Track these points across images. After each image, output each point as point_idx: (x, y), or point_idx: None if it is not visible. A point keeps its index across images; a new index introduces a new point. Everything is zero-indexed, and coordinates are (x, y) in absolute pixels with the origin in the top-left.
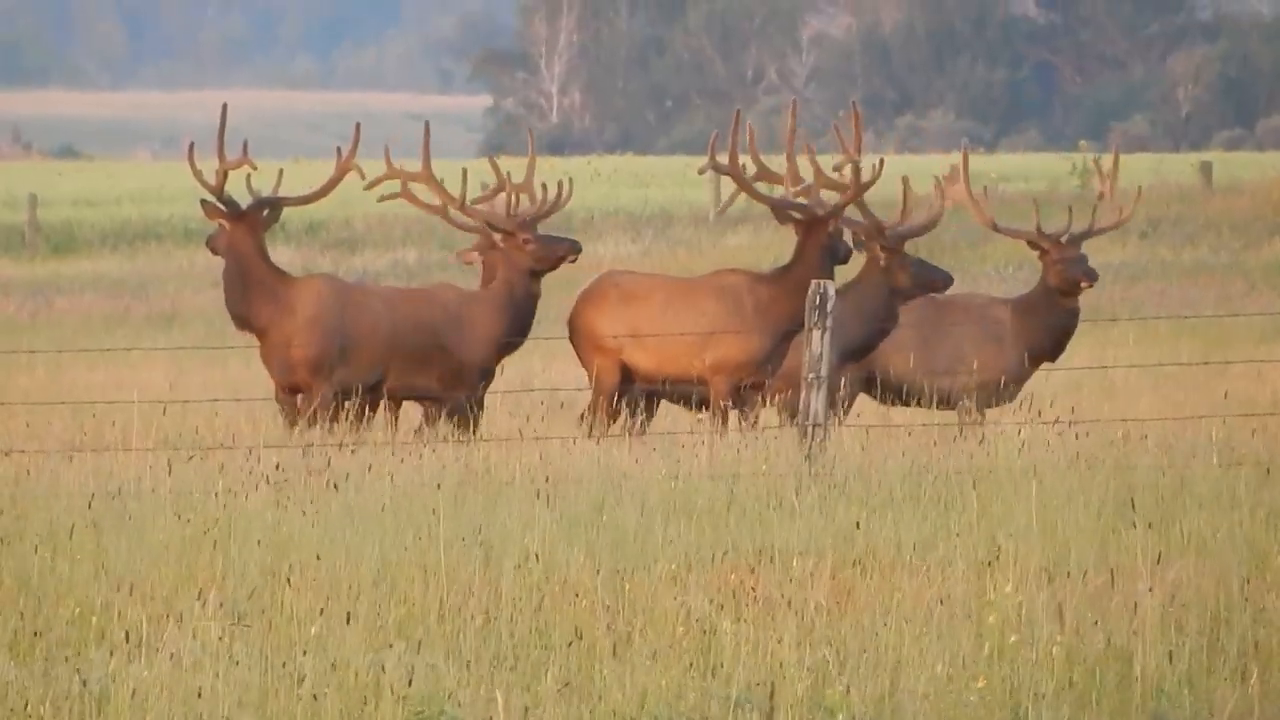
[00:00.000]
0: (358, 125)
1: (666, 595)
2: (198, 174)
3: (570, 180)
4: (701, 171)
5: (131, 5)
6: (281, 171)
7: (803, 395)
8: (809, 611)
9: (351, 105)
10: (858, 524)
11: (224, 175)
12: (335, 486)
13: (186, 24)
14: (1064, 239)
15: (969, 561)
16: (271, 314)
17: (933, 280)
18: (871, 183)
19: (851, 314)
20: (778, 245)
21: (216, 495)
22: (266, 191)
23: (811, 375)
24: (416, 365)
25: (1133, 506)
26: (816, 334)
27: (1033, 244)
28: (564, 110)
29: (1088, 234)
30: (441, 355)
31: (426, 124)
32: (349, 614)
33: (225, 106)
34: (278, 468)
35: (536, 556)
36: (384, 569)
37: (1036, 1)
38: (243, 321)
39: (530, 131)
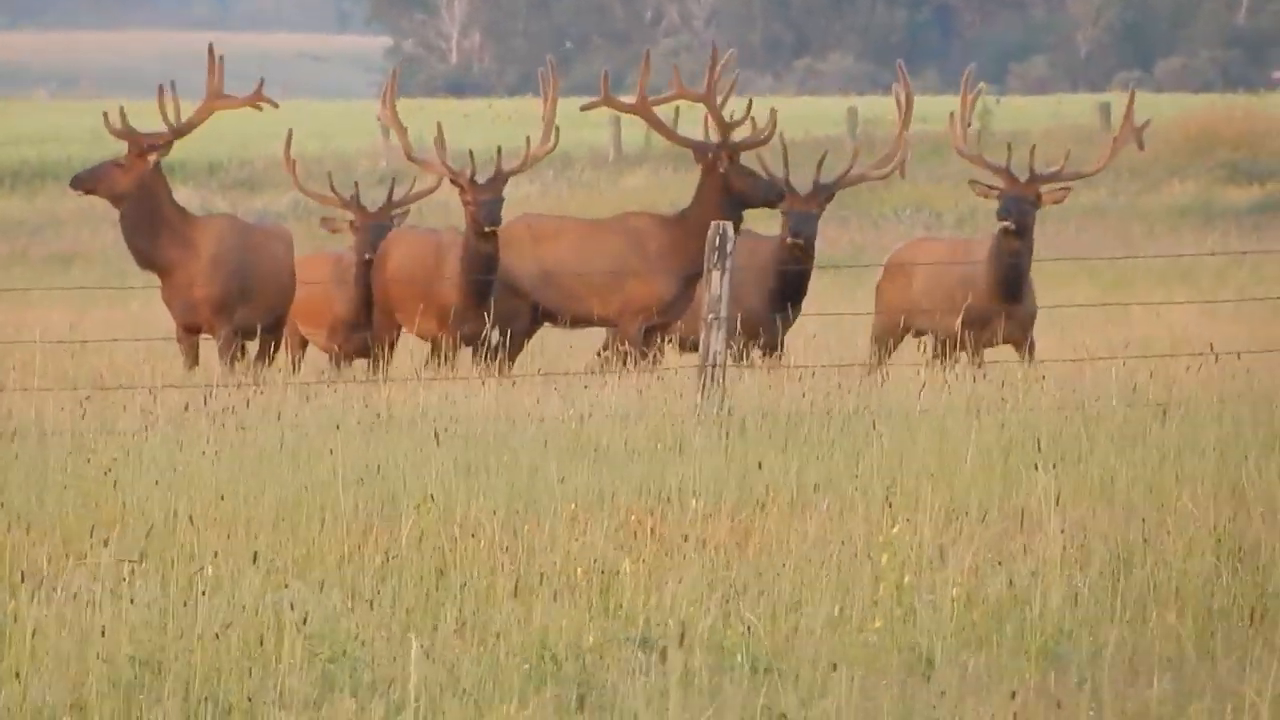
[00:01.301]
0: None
1: (566, 536)
2: (164, 118)
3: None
4: (584, 109)
5: None
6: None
7: (702, 335)
8: (708, 552)
9: (249, 45)
10: (759, 465)
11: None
12: (240, 428)
13: None
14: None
15: (869, 502)
16: (177, 254)
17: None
18: (770, 131)
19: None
20: (676, 186)
21: (116, 435)
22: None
23: (711, 316)
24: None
25: (1038, 448)
26: (715, 275)
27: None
28: (464, 52)
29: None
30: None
31: (395, 71)
32: (253, 554)
33: (211, 46)
34: (186, 408)
35: (432, 498)
36: (283, 510)
37: None
38: (147, 260)
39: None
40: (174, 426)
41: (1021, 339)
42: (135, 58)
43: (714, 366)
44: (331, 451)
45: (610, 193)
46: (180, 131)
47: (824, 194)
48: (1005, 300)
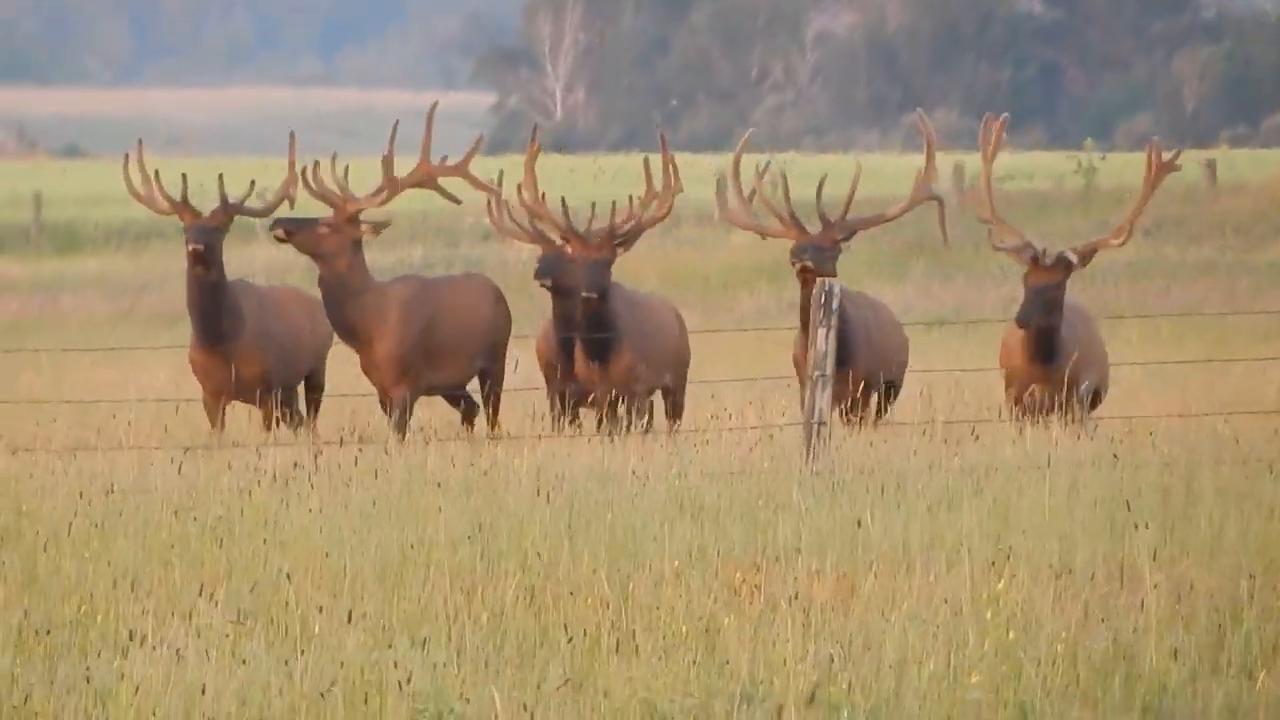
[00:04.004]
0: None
1: (671, 593)
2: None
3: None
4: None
5: (134, 4)
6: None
7: (807, 393)
8: (813, 609)
9: (356, 103)
10: (859, 522)
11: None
12: (345, 484)
13: (190, 24)
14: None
15: (974, 559)
16: (371, 320)
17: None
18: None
19: None
20: (781, 245)
21: (221, 493)
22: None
23: (817, 373)
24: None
25: (1130, 505)
26: (822, 332)
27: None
28: (568, 108)
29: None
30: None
31: (478, 138)
32: (351, 612)
33: (435, 105)
34: (295, 466)
35: (540, 555)
36: (388, 567)
37: (1040, 1)
38: (350, 332)
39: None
40: (279, 484)
41: (1065, 398)
42: (240, 116)
43: (819, 424)
44: (438, 509)
45: (717, 250)
46: (389, 195)
47: (844, 230)
48: (1036, 360)
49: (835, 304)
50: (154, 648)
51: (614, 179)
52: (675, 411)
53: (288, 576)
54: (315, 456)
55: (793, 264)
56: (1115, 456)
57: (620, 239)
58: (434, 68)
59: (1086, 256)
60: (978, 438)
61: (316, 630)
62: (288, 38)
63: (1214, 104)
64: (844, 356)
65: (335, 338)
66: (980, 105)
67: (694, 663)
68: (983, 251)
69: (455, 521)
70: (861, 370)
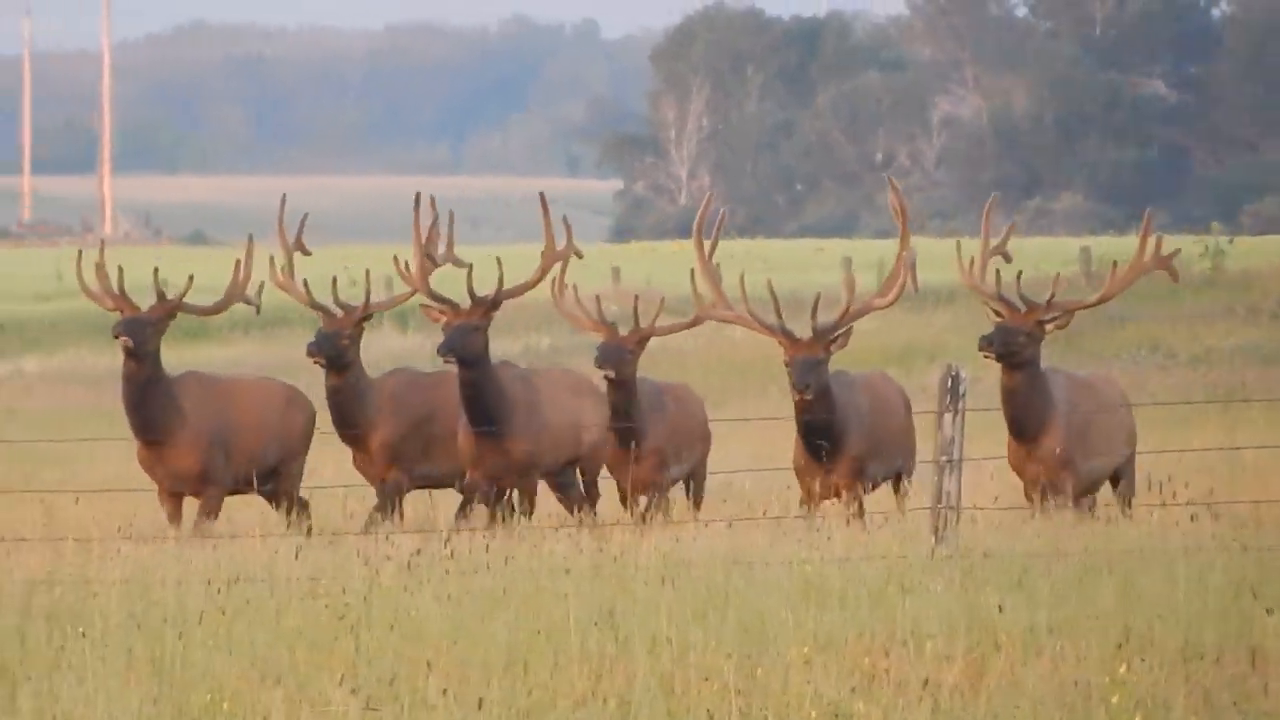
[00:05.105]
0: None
1: (799, 679)
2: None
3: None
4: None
5: (258, 93)
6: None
7: (936, 477)
8: (942, 694)
9: (481, 189)
10: (999, 608)
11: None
12: (472, 572)
13: (313, 111)
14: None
15: (1102, 643)
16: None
17: None
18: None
19: None
20: (910, 326)
21: (348, 580)
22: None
23: (944, 458)
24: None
25: (1256, 592)
26: (948, 417)
27: None
28: (693, 193)
29: (840, 323)
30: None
31: (417, 197)
32: (480, 699)
33: (542, 195)
34: (418, 553)
35: (670, 640)
36: (515, 654)
37: (1166, 83)
38: (484, 419)
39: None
40: (408, 571)
41: (1053, 479)
42: (366, 202)
43: (947, 508)
44: (566, 595)
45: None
46: (515, 291)
47: (825, 337)
48: (1015, 436)
49: (962, 389)
50: None
51: (742, 264)
52: (697, 493)
53: (427, 664)
54: (445, 542)
55: (793, 385)
56: (1244, 548)
57: (834, 337)
58: (559, 154)
59: (1065, 316)
60: (1108, 522)
61: (445, 717)
62: (413, 125)
63: None
64: (832, 441)
65: (314, 432)
66: (1106, 188)
67: None
68: (1102, 334)
69: (583, 607)
70: (853, 455)
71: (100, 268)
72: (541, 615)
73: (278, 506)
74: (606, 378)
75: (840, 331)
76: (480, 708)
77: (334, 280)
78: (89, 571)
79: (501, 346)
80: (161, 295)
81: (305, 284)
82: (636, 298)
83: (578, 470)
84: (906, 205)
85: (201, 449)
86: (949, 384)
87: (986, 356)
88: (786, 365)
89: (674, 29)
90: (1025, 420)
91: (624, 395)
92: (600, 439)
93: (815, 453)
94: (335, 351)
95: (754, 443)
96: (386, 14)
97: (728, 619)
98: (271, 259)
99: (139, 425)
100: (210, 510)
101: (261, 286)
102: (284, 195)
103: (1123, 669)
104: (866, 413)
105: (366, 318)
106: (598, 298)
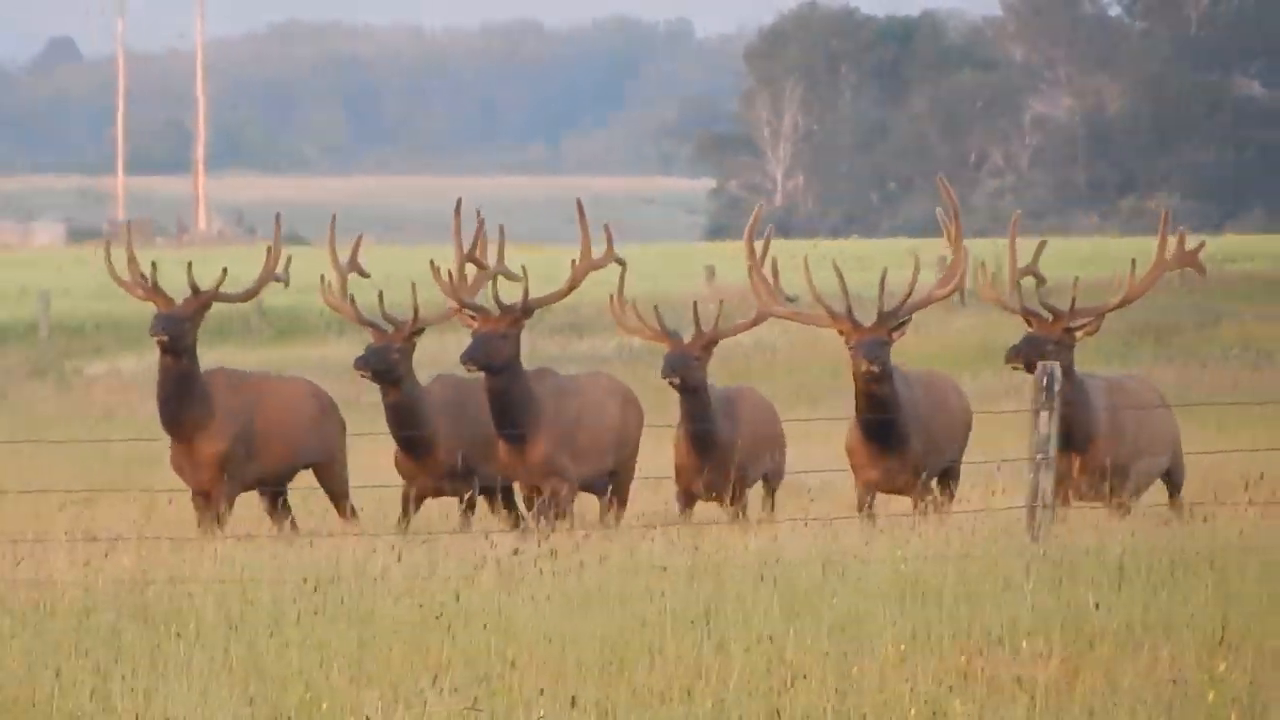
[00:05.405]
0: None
1: (895, 677)
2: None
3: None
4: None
5: (352, 92)
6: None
7: (1031, 475)
8: (1038, 692)
9: (579, 188)
10: (1097, 605)
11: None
12: (566, 573)
13: (408, 111)
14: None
15: (1199, 641)
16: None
17: None
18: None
19: None
20: (1007, 327)
21: (442, 579)
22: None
23: (1039, 455)
24: None
25: None
26: (1044, 415)
27: None
28: (788, 193)
29: (901, 310)
30: None
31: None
32: (574, 698)
33: (580, 203)
34: (515, 552)
35: (767, 639)
36: (610, 652)
37: (1262, 82)
38: (511, 425)
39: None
40: (501, 570)
41: (1097, 486)
42: (462, 203)
43: (1042, 506)
44: (662, 593)
45: (940, 332)
46: (545, 300)
47: (888, 322)
48: (1062, 447)
49: (1057, 387)
50: None
51: (835, 263)
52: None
53: (512, 663)
54: (541, 542)
55: (860, 360)
56: None
57: (899, 322)
58: (654, 153)
59: (1095, 321)
60: (1205, 520)
61: (541, 716)
62: (508, 124)
63: None
64: (898, 437)
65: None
66: (1201, 188)
67: None
68: (1205, 334)
69: (679, 606)
70: (915, 446)
71: (132, 259)
72: (637, 614)
73: (334, 505)
74: (673, 385)
75: (902, 319)
76: (574, 706)
77: (380, 295)
78: (184, 571)
79: (593, 345)
80: (195, 289)
81: (352, 300)
82: (696, 303)
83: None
84: (958, 205)
85: (225, 442)
86: (1044, 382)
87: (1015, 368)
88: (851, 348)
89: (768, 28)
90: (1070, 430)
91: (696, 403)
92: (633, 449)
93: (879, 436)
94: (385, 366)
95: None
96: (483, 12)
97: (823, 617)
98: (322, 277)
99: (170, 420)
100: (220, 505)
101: (289, 261)
102: (334, 216)
103: (1221, 667)
104: (923, 408)
105: (418, 332)
106: (655, 307)
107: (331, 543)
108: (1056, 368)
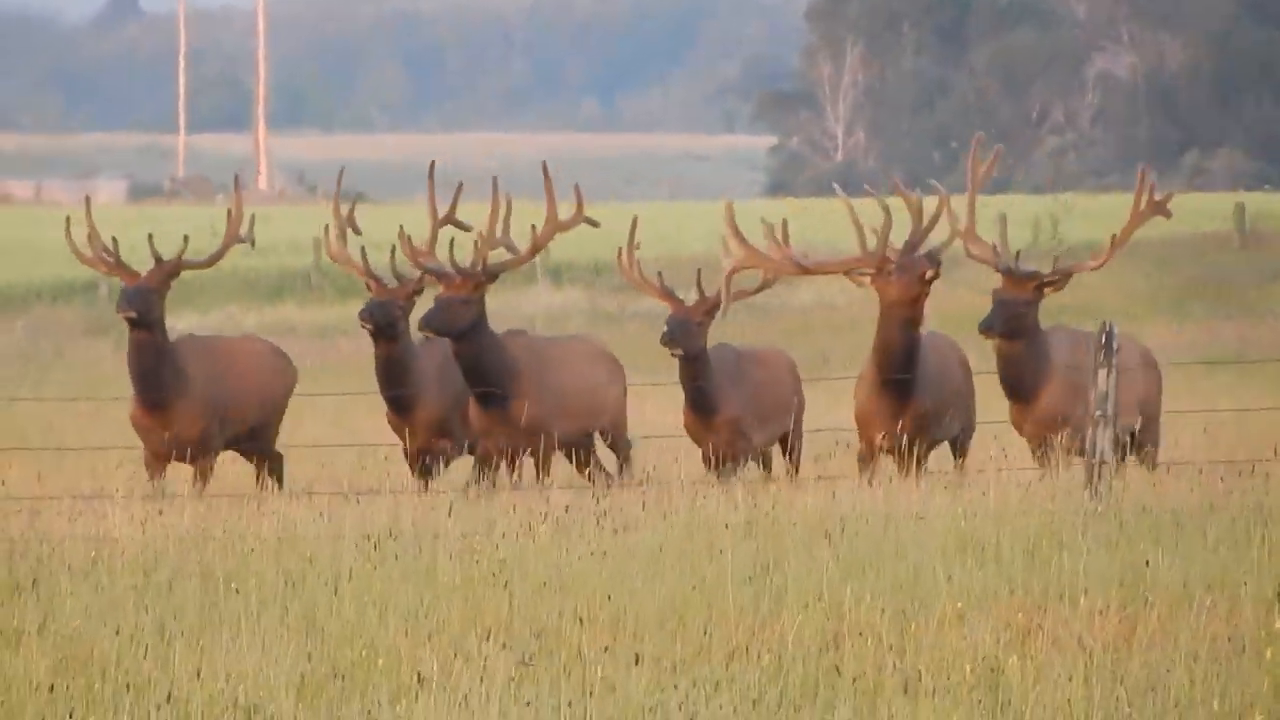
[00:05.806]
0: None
1: (954, 634)
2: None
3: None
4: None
5: (413, 51)
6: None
7: (1089, 433)
8: (1096, 649)
9: (634, 145)
10: (1146, 563)
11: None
12: (625, 529)
13: (468, 69)
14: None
15: (1256, 597)
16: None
17: None
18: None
19: None
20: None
21: (499, 537)
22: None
23: (1098, 413)
24: None
25: None
26: (1103, 373)
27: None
28: (848, 150)
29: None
30: None
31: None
32: (636, 655)
33: (545, 165)
34: (566, 510)
35: (825, 596)
36: (670, 609)
37: None
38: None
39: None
40: (559, 527)
41: (1038, 437)
42: (520, 161)
43: (1101, 463)
44: (721, 551)
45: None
46: (506, 265)
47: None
48: (1010, 398)
49: (1116, 345)
50: (438, 692)
51: (896, 220)
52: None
53: (578, 620)
54: (597, 500)
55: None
56: None
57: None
58: (714, 111)
59: (1062, 278)
60: (1268, 476)
61: (600, 673)
62: (568, 82)
63: None
64: (907, 390)
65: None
66: (1262, 145)
67: (978, 703)
68: (1265, 291)
69: (737, 563)
70: (926, 404)
71: (94, 234)
72: (697, 571)
73: (259, 464)
74: (674, 354)
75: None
76: (637, 663)
77: (392, 250)
78: (241, 528)
79: (652, 303)
80: (158, 259)
81: (363, 252)
82: (700, 270)
83: (597, 438)
84: (981, 171)
85: (205, 416)
86: (1102, 340)
87: (989, 337)
88: (888, 271)
89: None
90: (1019, 383)
91: (695, 369)
92: (619, 410)
93: (899, 392)
94: (388, 320)
95: None
96: None
97: (882, 575)
98: (326, 228)
99: (145, 391)
100: (205, 476)
101: (253, 221)
102: (432, 163)
103: (1278, 623)
104: (932, 371)
105: (418, 290)
106: (659, 272)
107: (390, 500)
108: (1113, 325)
